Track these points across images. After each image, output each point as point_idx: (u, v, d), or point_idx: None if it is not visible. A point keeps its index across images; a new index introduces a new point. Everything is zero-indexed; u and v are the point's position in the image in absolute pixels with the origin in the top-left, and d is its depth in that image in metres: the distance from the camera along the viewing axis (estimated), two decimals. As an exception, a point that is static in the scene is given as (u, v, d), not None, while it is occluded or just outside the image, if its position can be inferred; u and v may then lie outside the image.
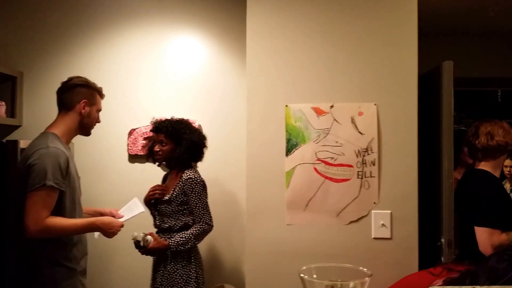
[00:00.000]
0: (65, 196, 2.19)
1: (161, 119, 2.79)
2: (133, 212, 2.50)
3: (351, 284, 1.29)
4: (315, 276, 1.34)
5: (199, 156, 2.79)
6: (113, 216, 2.44)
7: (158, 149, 2.73)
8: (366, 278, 1.32)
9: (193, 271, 2.62)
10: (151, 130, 2.87)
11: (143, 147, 3.07)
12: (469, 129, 2.59)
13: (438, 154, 2.41)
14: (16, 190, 2.20)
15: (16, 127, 3.36)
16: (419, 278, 2.02)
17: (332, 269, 1.49)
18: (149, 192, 2.75)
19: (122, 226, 2.38)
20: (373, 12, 2.28)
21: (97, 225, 2.29)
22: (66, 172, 2.17)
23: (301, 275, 1.35)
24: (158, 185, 2.79)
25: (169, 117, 2.81)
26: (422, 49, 2.30)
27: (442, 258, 2.33)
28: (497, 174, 2.47)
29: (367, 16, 2.29)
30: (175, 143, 2.70)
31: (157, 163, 2.89)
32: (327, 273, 1.34)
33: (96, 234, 2.41)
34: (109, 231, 2.32)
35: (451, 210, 2.33)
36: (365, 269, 1.38)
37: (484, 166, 2.47)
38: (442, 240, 2.35)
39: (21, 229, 2.10)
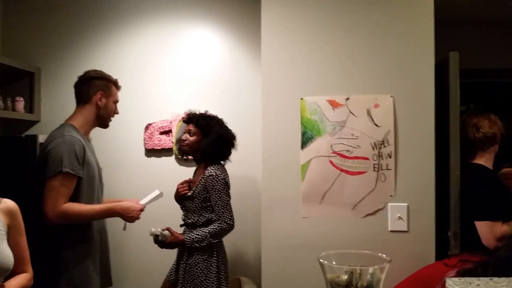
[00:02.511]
0: (83, 183, 2.24)
1: (195, 112, 2.81)
2: (151, 196, 2.53)
3: (370, 269, 1.29)
4: (334, 262, 1.34)
5: (225, 152, 2.75)
6: None
7: (185, 138, 2.74)
8: (385, 264, 1.31)
9: (214, 265, 2.61)
10: (183, 120, 2.91)
11: (176, 141, 3.13)
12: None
13: (445, 146, 2.38)
14: (36, 179, 2.26)
15: (34, 123, 3.41)
16: (433, 270, 2.01)
17: (351, 255, 1.48)
18: (179, 188, 2.77)
19: (142, 210, 2.41)
20: (389, 2, 2.26)
21: (116, 210, 2.33)
22: (82, 160, 2.22)
23: (321, 260, 1.35)
24: (185, 181, 2.80)
25: (203, 112, 2.83)
26: (436, 40, 2.27)
27: (449, 251, 2.30)
28: (489, 165, 2.41)
29: (383, 6, 2.26)
30: (203, 135, 2.71)
31: (183, 156, 2.91)
32: (346, 260, 1.34)
33: (123, 225, 2.45)
34: (128, 216, 2.36)
35: (458, 202, 2.30)
36: (384, 255, 1.37)
37: (476, 159, 2.43)
38: (449, 232, 2.32)
39: (40, 216, 2.16)
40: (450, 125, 2.32)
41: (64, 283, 2.17)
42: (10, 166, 2.87)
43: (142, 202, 2.48)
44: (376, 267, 1.29)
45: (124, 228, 2.47)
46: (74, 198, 2.19)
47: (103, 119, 2.43)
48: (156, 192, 2.56)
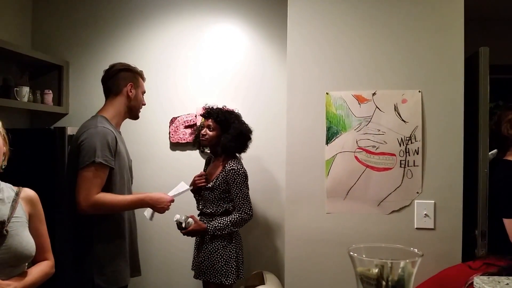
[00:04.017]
0: (115, 174, 2.27)
1: (213, 106, 2.86)
2: (180, 190, 2.57)
3: (402, 263, 1.27)
4: (364, 256, 1.32)
5: (243, 147, 2.85)
6: None
7: (204, 133, 2.81)
8: (417, 258, 1.29)
9: (233, 251, 2.73)
10: (201, 115, 2.95)
11: (191, 134, 3.17)
12: (493, 117, 2.48)
13: (473, 142, 2.33)
14: (69, 170, 2.32)
15: (62, 115, 3.48)
16: (457, 272, 1.97)
17: (381, 250, 1.46)
18: (196, 180, 2.84)
19: (172, 201, 2.46)
20: (418, -4, 2.22)
21: (146, 201, 2.37)
22: (115, 150, 2.25)
23: (351, 253, 1.33)
24: (202, 173, 2.87)
25: (220, 106, 2.90)
26: (467, 35, 2.22)
27: (476, 250, 2.26)
28: None
29: (412, 1, 2.22)
30: (222, 130, 2.77)
31: (201, 148, 2.98)
32: (375, 254, 1.32)
33: (148, 214, 2.49)
34: (159, 207, 2.40)
35: (486, 200, 2.26)
36: (416, 250, 1.35)
37: (508, 156, 2.37)
38: (476, 231, 2.27)
39: (73, 206, 2.20)
40: (480, 121, 2.27)
41: (95, 272, 2.21)
42: (39, 157, 2.93)
43: (171, 194, 2.52)
44: (407, 261, 1.27)
45: (151, 218, 2.51)
46: (107, 188, 2.23)
47: (133, 110, 2.47)
48: (185, 187, 2.63)
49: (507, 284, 1.50)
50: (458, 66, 2.19)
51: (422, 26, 2.21)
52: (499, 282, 1.52)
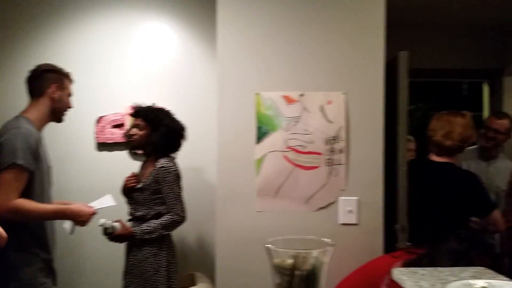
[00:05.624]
0: (35, 180, 2.16)
1: (141, 105, 2.76)
2: (104, 204, 2.45)
3: (315, 253, 1.32)
4: (281, 247, 1.37)
5: (175, 145, 2.75)
6: None
7: (133, 133, 2.70)
8: (328, 248, 1.36)
9: (164, 260, 2.60)
10: (130, 114, 2.84)
11: (123, 136, 3.05)
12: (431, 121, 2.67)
13: (395, 142, 2.46)
14: None
15: (-22, 114, 3.26)
16: (381, 262, 2.10)
17: (298, 241, 1.52)
18: (125, 181, 2.73)
19: (93, 214, 2.34)
20: (342, 2, 2.30)
21: (66, 214, 2.28)
22: (36, 154, 2.15)
23: (267, 245, 1.37)
24: (132, 174, 2.77)
25: (150, 104, 2.79)
26: (393, 40, 2.34)
27: (397, 243, 2.37)
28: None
29: (336, 3, 2.30)
30: (152, 129, 2.67)
31: (133, 150, 2.88)
32: (293, 245, 1.37)
33: (68, 227, 2.36)
34: (79, 220, 2.30)
35: (405, 196, 2.37)
36: (328, 240, 1.42)
37: (446, 158, 2.56)
38: (397, 226, 2.40)
39: None
40: (399, 122, 2.40)
41: (10, 279, 2.11)
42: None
43: (93, 205, 2.38)
44: (320, 250, 1.33)
45: (72, 232, 2.38)
46: (25, 193, 2.12)
47: (58, 113, 2.36)
48: (111, 202, 2.47)
49: (423, 274, 1.61)
50: (379, 69, 2.30)
51: (345, 30, 2.31)
52: (415, 272, 1.63)
